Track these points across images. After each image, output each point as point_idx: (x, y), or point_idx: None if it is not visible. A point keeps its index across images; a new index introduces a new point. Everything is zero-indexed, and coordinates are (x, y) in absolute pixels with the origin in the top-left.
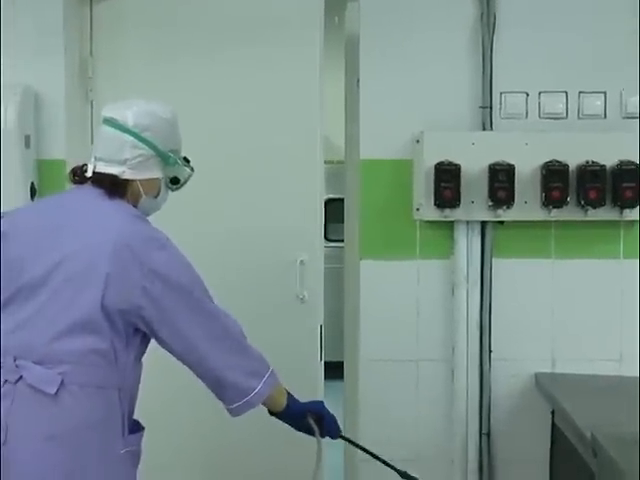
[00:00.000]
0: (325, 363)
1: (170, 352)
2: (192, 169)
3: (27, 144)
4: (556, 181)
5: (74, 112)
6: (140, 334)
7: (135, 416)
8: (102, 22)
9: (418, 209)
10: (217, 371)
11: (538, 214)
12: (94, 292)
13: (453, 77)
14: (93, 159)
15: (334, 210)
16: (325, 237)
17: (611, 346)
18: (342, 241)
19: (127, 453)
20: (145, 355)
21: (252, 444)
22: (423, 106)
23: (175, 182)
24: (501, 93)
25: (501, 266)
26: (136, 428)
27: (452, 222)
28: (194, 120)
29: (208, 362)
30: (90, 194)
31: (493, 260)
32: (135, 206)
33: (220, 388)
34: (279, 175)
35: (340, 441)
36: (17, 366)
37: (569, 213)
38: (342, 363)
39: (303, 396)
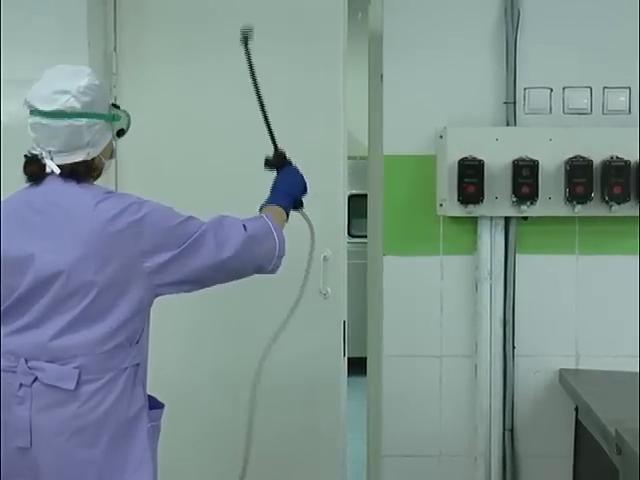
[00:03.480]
0: (348, 359)
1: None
2: (126, 113)
3: None
4: (580, 177)
5: None
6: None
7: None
8: (126, 18)
9: (441, 205)
10: (240, 269)
11: (562, 210)
12: (89, 282)
13: (477, 72)
14: (47, 154)
15: (357, 206)
16: (348, 233)
17: (635, 342)
18: (365, 237)
19: (151, 427)
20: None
21: (272, 439)
22: (447, 101)
23: (121, 134)
24: (525, 88)
25: (525, 262)
26: (155, 404)
27: (476, 218)
28: (217, 116)
29: (231, 269)
30: (62, 187)
31: (517, 256)
32: (99, 175)
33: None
34: (303, 171)
35: (364, 437)
36: (30, 368)
37: (593, 209)
38: (365, 359)
39: (327, 393)
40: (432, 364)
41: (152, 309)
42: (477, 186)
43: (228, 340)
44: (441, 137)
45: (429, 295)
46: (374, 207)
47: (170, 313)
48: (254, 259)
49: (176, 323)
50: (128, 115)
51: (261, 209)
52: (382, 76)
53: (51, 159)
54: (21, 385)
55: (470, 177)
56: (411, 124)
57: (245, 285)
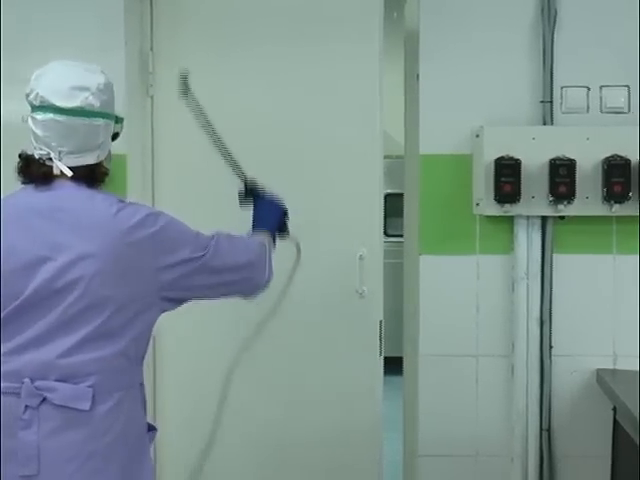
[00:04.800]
0: (384, 358)
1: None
2: (121, 120)
3: None
4: (617, 176)
5: (135, 107)
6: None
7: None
8: (162, 16)
9: (478, 204)
10: (233, 292)
11: (599, 209)
12: (105, 297)
13: (513, 71)
14: (56, 154)
15: (393, 205)
16: (384, 232)
17: None
18: (401, 236)
19: (148, 448)
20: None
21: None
22: (483, 100)
23: (115, 138)
24: (562, 87)
25: (562, 262)
26: (150, 427)
27: (512, 217)
28: (253, 115)
29: (227, 292)
30: (72, 191)
31: (553, 255)
32: (105, 179)
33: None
34: (339, 170)
35: (400, 437)
36: (37, 388)
37: (631, 208)
38: (401, 358)
39: (363, 393)
40: (468, 364)
41: (188, 312)
42: (514, 185)
43: (262, 337)
44: (477, 136)
45: (465, 294)
46: (410, 206)
47: (206, 314)
48: (249, 284)
49: (211, 323)
50: (122, 119)
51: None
52: (418, 75)
53: (60, 160)
54: (26, 407)
55: (507, 176)
56: (447, 123)
57: (281, 286)
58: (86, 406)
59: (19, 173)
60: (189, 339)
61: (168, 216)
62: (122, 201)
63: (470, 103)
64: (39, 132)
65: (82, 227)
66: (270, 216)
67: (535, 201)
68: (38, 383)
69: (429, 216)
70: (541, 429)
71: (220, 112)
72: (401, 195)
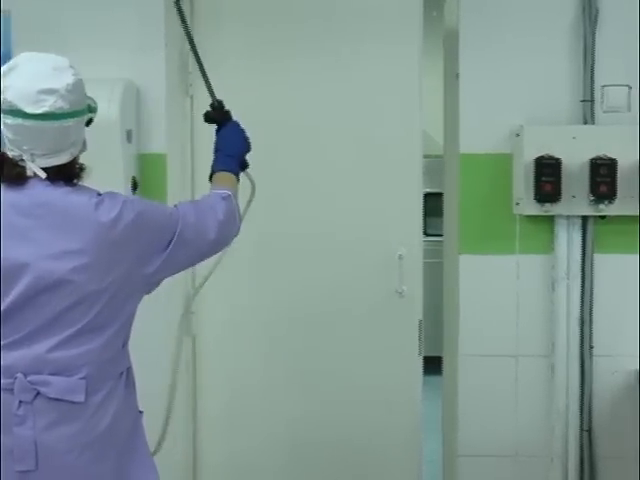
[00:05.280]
0: (424, 358)
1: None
2: (94, 100)
3: (129, 138)
4: None
5: (174, 106)
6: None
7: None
8: (202, 16)
9: (518, 203)
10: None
11: None
12: (95, 292)
13: (554, 70)
14: (29, 156)
15: (432, 204)
16: (423, 232)
17: None
18: (440, 235)
19: (142, 428)
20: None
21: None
22: (523, 100)
23: (89, 123)
24: (602, 86)
25: (602, 261)
26: None
27: (552, 217)
28: (293, 115)
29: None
30: (51, 188)
31: (594, 255)
32: (81, 175)
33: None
34: (378, 170)
35: (439, 437)
36: (31, 382)
37: None
38: (441, 358)
39: (402, 393)
40: (508, 363)
41: (225, 312)
42: (554, 185)
43: (302, 337)
44: (517, 135)
45: (505, 294)
46: (450, 206)
47: (244, 313)
48: (224, 241)
49: (250, 323)
50: (95, 103)
51: (212, 174)
52: (458, 75)
53: (33, 162)
54: (21, 403)
55: (547, 176)
56: (487, 122)
57: (321, 285)
58: (81, 398)
59: None
60: (227, 339)
61: (140, 201)
62: (99, 194)
63: (510, 102)
64: (10, 135)
65: (64, 223)
66: (235, 145)
67: (575, 201)
68: (31, 377)
69: (469, 216)
70: (581, 429)
71: (260, 111)
72: (440, 195)
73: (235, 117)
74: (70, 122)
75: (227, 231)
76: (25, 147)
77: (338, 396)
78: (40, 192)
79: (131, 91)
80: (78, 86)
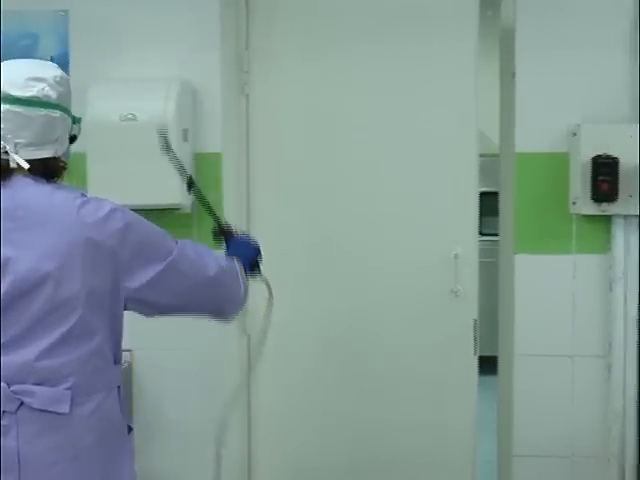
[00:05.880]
0: (479, 358)
1: (155, 310)
2: (78, 120)
3: (185, 137)
4: None
5: (230, 106)
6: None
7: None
8: (258, 16)
9: (574, 203)
10: (207, 301)
11: None
12: (77, 295)
13: (611, 68)
14: (12, 146)
15: (487, 204)
16: (479, 231)
17: None
18: (495, 235)
19: (129, 450)
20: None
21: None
22: (580, 98)
23: (73, 140)
24: None
25: None
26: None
27: (609, 216)
28: (349, 114)
29: (200, 298)
30: (34, 188)
31: None
32: (63, 174)
33: (216, 310)
34: (434, 169)
35: (494, 437)
36: (14, 392)
37: None
38: (496, 358)
39: (457, 392)
40: (564, 364)
41: (280, 312)
42: (611, 184)
43: (357, 336)
44: (574, 134)
45: (561, 294)
46: (505, 205)
47: (300, 313)
48: (223, 295)
49: (305, 323)
50: (78, 125)
51: (215, 232)
52: (514, 74)
53: (16, 153)
54: (4, 413)
55: (604, 175)
56: (543, 121)
57: (376, 284)
58: (65, 409)
59: None
60: (282, 338)
61: (134, 215)
62: (84, 195)
63: (567, 101)
64: None
65: (45, 224)
66: (244, 253)
67: (633, 200)
68: (15, 387)
69: (525, 215)
70: (639, 430)
71: (314, 110)
72: (495, 194)
73: (288, 119)
74: (57, 114)
75: (228, 282)
76: (9, 136)
77: (393, 396)
78: (22, 192)
79: (187, 90)
80: (66, 82)
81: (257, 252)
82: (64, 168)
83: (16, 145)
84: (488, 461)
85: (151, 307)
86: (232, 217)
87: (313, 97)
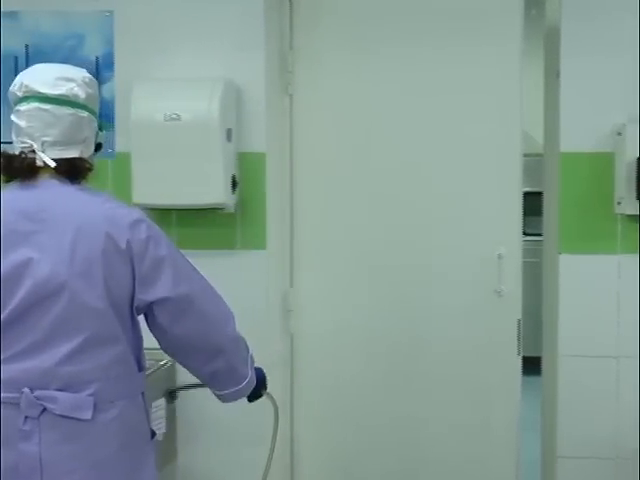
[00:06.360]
0: (523, 358)
1: (166, 340)
2: (105, 126)
3: (229, 137)
4: None
5: (274, 105)
6: None
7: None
8: (302, 16)
9: (619, 203)
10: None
11: None
12: (99, 300)
13: None
14: (39, 145)
15: (531, 204)
16: (522, 231)
17: None
18: (539, 235)
19: (151, 457)
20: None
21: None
22: (625, 97)
23: (98, 149)
24: None
25: None
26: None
27: None
28: (393, 114)
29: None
30: (60, 190)
31: None
32: (88, 176)
33: (216, 376)
34: (478, 169)
35: (538, 437)
36: (37, 398)
37: None
38: (540, 358)
39: (501, 392)
40: (609, 364)
41: (324, 312)
42: None
43: (400, 336)
44: (619, 134)
45: (606, 294)
46: (550, 205)
47: (343, 312)
48: (227, 357)
49: (348, 322)
50: (104, 128)
51: None
52: (558, 73)
53: (43, 152)
54: (27, 418)
55: None
56: (588, 121)
57: (419, 283)
58: (87, 415)
59: (1, 171)
60: (325, 337)
61: (159, 230)
62: (112, 200)
63: (612, 100)
64: (23, 123)
65: (68, 228)
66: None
67: None
68: (38, 393)
69: (569, 215)
70: None
71: (358, 110)
72: (539, 194)
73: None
74: (84, 114)
75: (239, 350)
76: (37, 134)
77: (436, 396)
78: (48, 194)
79: (231, 90)
80: (94, 85)
81: (263, 377)
82: (89, 170)
83: (43, 143)
84: (532, 462)
85: (160, 330)
86: (275, 217)
87: (357, 97)
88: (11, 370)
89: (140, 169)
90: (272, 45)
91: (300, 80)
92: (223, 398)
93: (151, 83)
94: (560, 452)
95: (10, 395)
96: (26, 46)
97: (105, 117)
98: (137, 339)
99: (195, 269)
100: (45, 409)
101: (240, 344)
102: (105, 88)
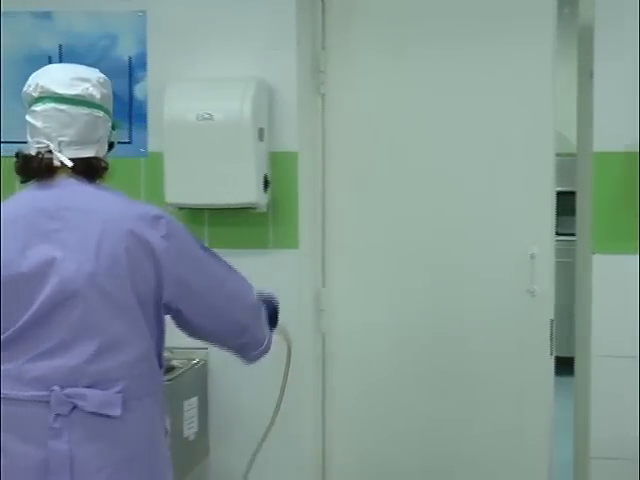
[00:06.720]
0: (556, 358)
1: (192, 329)
2: (118, 125)
3: (261, 137)
4: None
5: (306, 105)
6: None
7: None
8: (334, 14)
9: None
10: (242, 333)
11: None
12: (126, 297)
13: None
14: (56, 145)
15: (563, 203)
16: (555, 230)
17: None
18: (572, 235)
19: (168, 454)
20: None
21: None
22: None
23: (111, 148)
24: None
25: None
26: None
27: None
28: (425, 113)
29: (233, 326)
30: (78, 188)
31: None
32: (104, 175)
33: (243, 347)
34: (510, 169)
35: (571, 439)
36: (67, 395)
37: None
38: (573, 358)
39: (533, 393)
40: None
41: (356, 312)
42: None
43: (432, 336)
44: None
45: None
46: (583, 205)
47: (375, 312)
48: (251, 331)
49: (380, 322)
50: (118, 126)
51: None
52: (592, 73)
53: (60, 152)
54: (57, 416)
55: None
56: (622, 120)
57: (451, 283)
58: (117, 412)
59: (18, 172)
60: (357, 337)
61: (180, 225)
62: (129, 198)
63: None
64: (39, 124)
65: (91, 224)
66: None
67: None
68: (68, 390)
69: (602, 215)
70: None
71: (390, 110)
72: (572, 193)
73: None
74: (100, 113)
75: (257, 321)
76: (54, 134)
77: (468, 396)
78: (67, 192)
79: (263, 90)
80: (108, 85)
81: (275, 307)
82: (106, 169)
83: (60, 143)
84: (565, 463)
85: (186, 323)
86: (307, 216)
87: (389, 97)
88: (39, 368)
89: (173, 169)
90: (304, 45)
91: (332, 80)
92: (247, 362)
93: (184, 83)
94: (593, 453)
95: (39, 393)
96: (60, 46)
97: (138, 117)
98: (161, 336)
99: (215, 257)
100: (75, 407)
101: (259, 313)
102: (138, 88)
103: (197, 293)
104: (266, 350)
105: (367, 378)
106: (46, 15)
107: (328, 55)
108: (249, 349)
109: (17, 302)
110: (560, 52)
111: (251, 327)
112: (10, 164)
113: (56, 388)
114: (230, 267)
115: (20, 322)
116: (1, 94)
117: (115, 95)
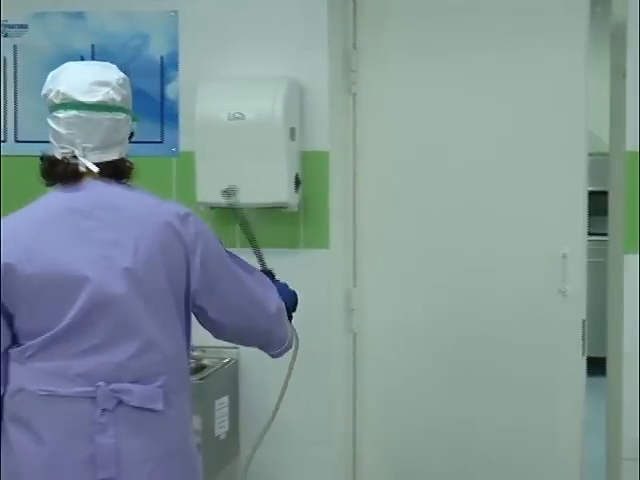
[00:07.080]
0: (587, 358)
1: (217, 329)
2: (137, 118)
3: (292, 136)
4: None
5: (337, 105)
6: None
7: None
8: (366, 14)
9: None
10: (263, 332)
11: None
12: (165, 293)
13: None
14: (81, 151)
15: (595, 203)
16: (587, 230)
17: None
18: (604, 235)
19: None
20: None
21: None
22: None
23: (131, 137)
24: None
25: None
26: None
27: None
28: (457, 113)
29: (256, 325)
30: (107, 189)
31: None
32: (131, 174)
33: (266, 346)
34: (542, 168)
35: (603, 440)
36: (112, 391)
37: None
38: (605, 359)
39: (565, 393)
40: None
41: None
42: None
43: (463, 336)
44: None
45: None
46: (615, 205)
47: (405, 312)
48: (275, 332)
49: (411, 322)
50: (138, 117)
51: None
52: (624, 73)
53: (84, 157)
54: (103, 411)
55: None
56: None
57: (483, 282)
58: (159, 406)
59: (43, 175)
60: (388, 337)
61: (206, 226)
62: (157, 197)
63: None
64: (62, 130)
65: (126, 222)
66: (284, 298)
67: None
68: (113, 386)
69: (635, 215)
70: None
71: (422, 109)
72: (603, 193)
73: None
74: (122, 116)
75: (280, 322)
76: (78, 140)
77: (499, 396)
78: (97, 191)
79: (295, 89)
80: (127, 84)
81: (296, 303)
82: (131, 168)
83: (84, 149)
84: (596, 464)
85: (211, 322)
86: (338, 216)
87: (420, 97)
88: (84, 365)
89: (204, 168)
90: (335, 44)
91: (364, 79)
92: (272, 356)
93: (215, 83)
94: (625, 454)
95: (85, 389)
96: (92, 46)
97: (169, 116)
98: (189, 333)
99: (235, 257)
100: (120, 402)
101: (282, 315)
102: (169, 88)
103: (221, 291)
104: (289, 347)
105: (397, 377)
106: (79, 15)
107: (359, 55)
108: (272, 347)
109: (59, 302)
110: (592, 52)
111: (275, 329)
112: (35, 163)
113: (101, 384)
114: (252, 268)
115: (63, 322)
116: (24, 95)
117: (147, 95)
